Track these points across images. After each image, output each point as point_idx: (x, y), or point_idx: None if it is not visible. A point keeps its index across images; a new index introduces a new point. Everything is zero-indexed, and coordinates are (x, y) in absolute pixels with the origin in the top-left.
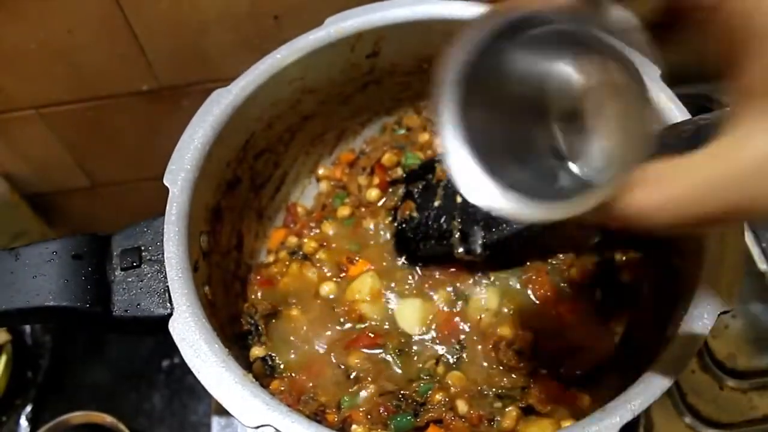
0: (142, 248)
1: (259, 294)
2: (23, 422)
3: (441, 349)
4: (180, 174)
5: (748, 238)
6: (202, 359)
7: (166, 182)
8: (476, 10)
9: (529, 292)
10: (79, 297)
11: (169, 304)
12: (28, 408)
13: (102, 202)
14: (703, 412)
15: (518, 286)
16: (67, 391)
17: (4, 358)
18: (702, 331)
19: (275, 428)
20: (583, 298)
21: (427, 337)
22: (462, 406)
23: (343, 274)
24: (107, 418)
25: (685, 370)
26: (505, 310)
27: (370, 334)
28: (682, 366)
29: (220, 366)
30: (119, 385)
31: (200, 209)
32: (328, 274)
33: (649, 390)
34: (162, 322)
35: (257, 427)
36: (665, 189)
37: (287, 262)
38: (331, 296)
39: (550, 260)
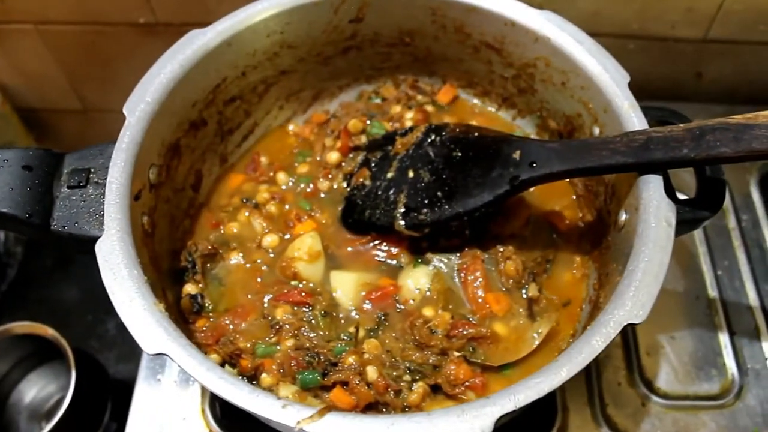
0: (92, 170)
1: (204, 234)
2: None
3: (364, 318)
4: (139, 105)
5: (705, 264)
6: (118, 282)
7: (124, 111)
8: None
9: (461, 276)
10: (20, 206)
11: (104, 227)
12: None
13: (91, 127)
14: (620, 425)
15: (452, 270)
16: (28, 303)
17: None
18: (603, 339)
19: (170, 357)
20: (513, 293)
21: (354, 305)
22: (372, 372)
23: (289, 231)
24: (48, 331)
25: (575, 373)
26: (434, 291)
27: (302, 292)
28: (575, 369)
29: (134, 291)
30: (78, 306)
31: (155, 142)
32: (275, 228)
33: (536, 387)
34: (95, 243)
35: (155, 355)
36: None
37: (238, 208)
38: (272, 249)
39: (488, 250)
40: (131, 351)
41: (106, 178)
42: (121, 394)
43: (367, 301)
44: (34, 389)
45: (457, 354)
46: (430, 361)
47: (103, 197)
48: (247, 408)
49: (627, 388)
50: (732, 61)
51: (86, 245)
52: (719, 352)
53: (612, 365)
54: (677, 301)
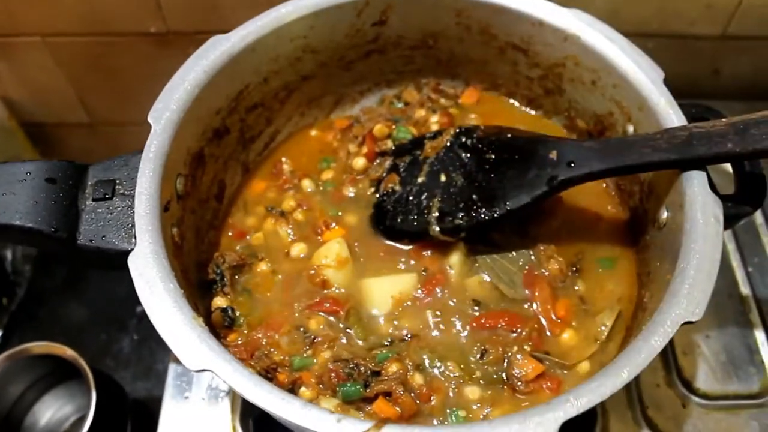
0: (117, 182)
1: (230, 245)
2: None
3: (403, 324)
4: (165, 113)
5: (735, 261)
6: (155, 297)
7: (150, 119)
8: None
9: (524, 273)
10: (45, 220)
11: (133, 240)
12: None
13: (99, 141)
14: (661, 426)
15: (489, 274)
16: (39, 323)
17: None
18: (662, 339)
19: (215, 374)
20: (561, 290)
21: (389, 312)
22: (418, 377)
23: (319, 237)
24: (67, 351)
25: (636, 375)
26: (472, 293)
27: (333, 299)
28: (635, 370)
29: (172, 306)
30: (91, 324)
31: (181, 151)
32: (303, 236)
33: (598, 390)
34: (124, 257)
35: (198, 371)
36: None
37: (263, 217)
38: (302, 257)
39: (529, 250)
40: (147, 369)
41: (132, 190)
42: (140, 413)
43: (402, 307)
44: (50, 410)
45: (527, 349)
46: (500, 350)
47: (131, 209)
48: (300, 424)
49: (666, 389)
50: (750, 58)
51: (114, 259)
52: (756, 350)
53: (649, 366)
54: (710, 300)
